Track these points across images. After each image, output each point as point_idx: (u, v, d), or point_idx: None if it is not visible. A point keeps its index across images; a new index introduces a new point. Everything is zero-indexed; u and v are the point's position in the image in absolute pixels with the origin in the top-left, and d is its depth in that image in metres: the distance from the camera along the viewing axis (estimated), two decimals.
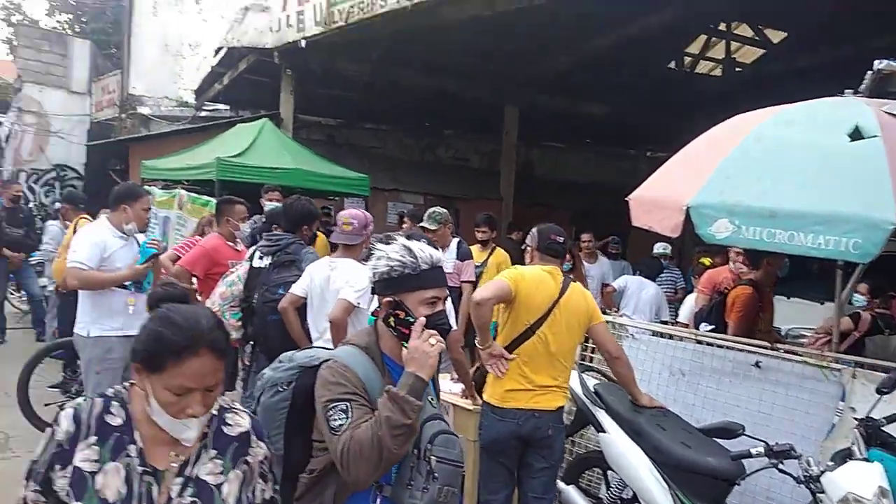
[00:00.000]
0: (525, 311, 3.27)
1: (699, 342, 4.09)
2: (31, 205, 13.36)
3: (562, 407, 3.39)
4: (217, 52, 11.05)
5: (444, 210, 5.16)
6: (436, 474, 1.77)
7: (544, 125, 12.59)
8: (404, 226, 5.72)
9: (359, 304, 3.63)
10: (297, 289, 3.94)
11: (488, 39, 8.67)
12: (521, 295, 3.26)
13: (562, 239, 3.46)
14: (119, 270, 4.06)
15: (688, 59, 11.34)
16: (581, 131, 13.85)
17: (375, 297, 1.98)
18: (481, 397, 3.45)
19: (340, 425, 1.75)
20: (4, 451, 4.80)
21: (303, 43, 8.73)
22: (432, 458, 1.78)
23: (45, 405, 5.02)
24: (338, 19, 8.15)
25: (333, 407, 1.78)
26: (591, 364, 4.31)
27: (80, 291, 4.13)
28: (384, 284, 1.92)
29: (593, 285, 6.68)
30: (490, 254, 5.91)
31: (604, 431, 3.46)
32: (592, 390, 3.61)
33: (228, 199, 5.01)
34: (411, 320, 1.86)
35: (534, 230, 3.52)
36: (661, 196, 3.39)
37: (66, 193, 9.32)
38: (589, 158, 14.54)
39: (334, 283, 3.75)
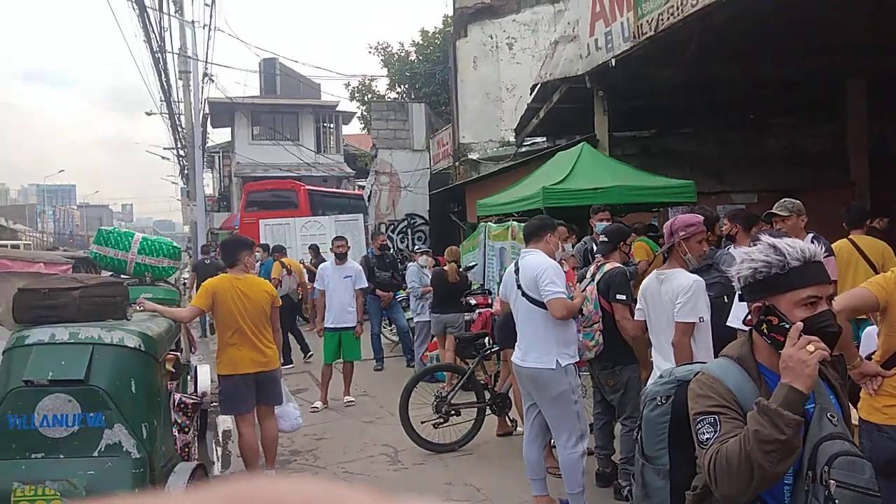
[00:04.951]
0: None
1: None
2: (391, 251, 15.58)
3: None
4: (533, 89, 11.67)
5: (798, 201, 4.73)
6: (836, 500, 1.58)
7: None
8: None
9: (701, 319, 3.50)
10: (638, 313, 3.98)
11: (817, 11, 7.72)
12: None
13: None
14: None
15: None
16: None
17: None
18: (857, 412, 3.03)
19: (708, 439, 1.71)
20: (395, 462, 5.49)
21: (613, 62, 8.80)
22: (831, 482, 1.60)
23: (422, 423, 5.62)
24: (647, 30, 8.04)
25: (702, 420, 1.74)
26: None
27: (536, 322, 4.12)
28: (751, 289, 1.80)
29: None
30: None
31: None
32: None
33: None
34: (787, 326, 1.70)
35: None
36: None
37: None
38: None
39: (664, 296, 3.66)
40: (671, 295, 3.59)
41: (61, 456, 3.37)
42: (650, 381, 2.20)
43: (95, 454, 3.38)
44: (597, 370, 4.64)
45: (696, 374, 1.88)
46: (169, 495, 0.35)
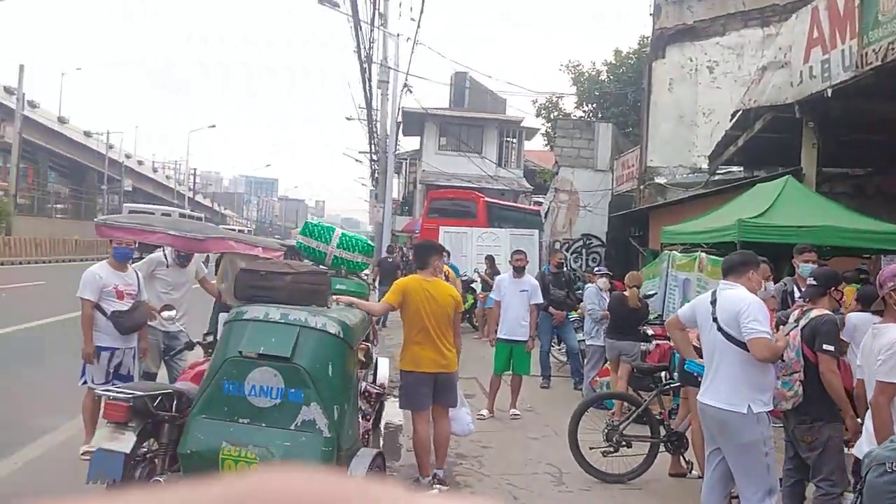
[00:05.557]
0: None
1: None
2: (565, 269, 15.50)
3: None
4: (733, 115, 11.10)
5: None
6: None
7: None
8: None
9: None
10: (858, 370, 3.69)
11: None
12: None
13: None
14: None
15: None
16: None
17: None
18: None
19: None
20: (560, 484, 5.38)
21: (829, 92, 8.15)
22: None
23: (591, 448, 5.51)
24: (872, 60, 7.36)
25: None
26: None
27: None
28: None
29: None
30: None
31: None
32: None
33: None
34: None
35: None
36: None
37: None
38: None
39: (873, 351, 3.38)
40: (876, 352, 3.33)
41: (263, 424, 3.72)
42: (871, 445, 2.01)
43: (292, 427, 3.69)
44: (793, 424, 4.25)
45: None
46: (163, 489, 0.37)
